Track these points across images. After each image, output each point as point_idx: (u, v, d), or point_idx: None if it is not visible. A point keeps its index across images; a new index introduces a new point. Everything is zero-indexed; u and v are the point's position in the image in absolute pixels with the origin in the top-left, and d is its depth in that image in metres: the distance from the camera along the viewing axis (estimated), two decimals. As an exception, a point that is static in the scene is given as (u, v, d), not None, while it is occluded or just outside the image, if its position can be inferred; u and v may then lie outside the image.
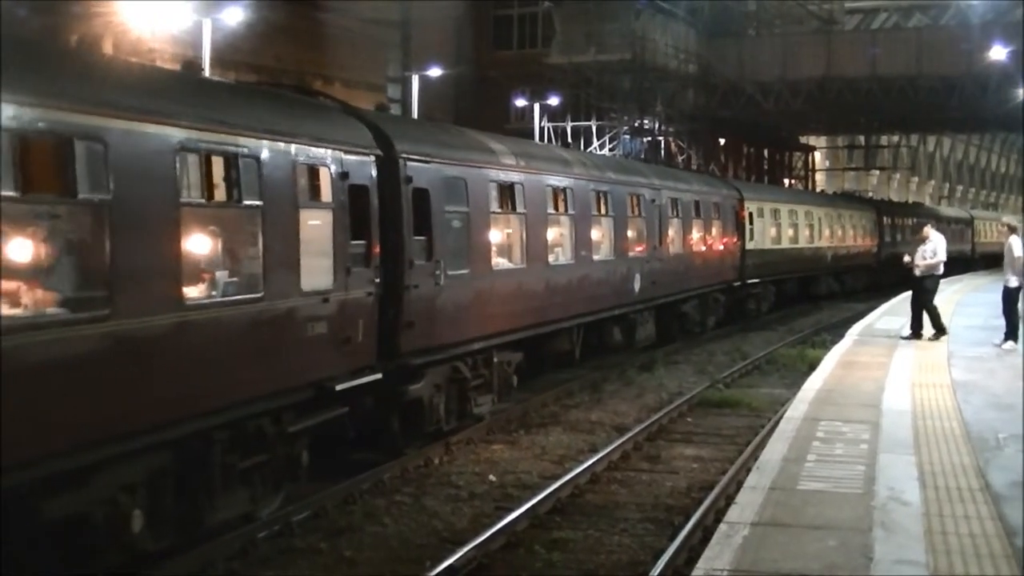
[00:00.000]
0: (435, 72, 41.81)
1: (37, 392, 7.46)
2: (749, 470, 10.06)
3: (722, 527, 7.67)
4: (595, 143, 44.93)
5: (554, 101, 44.98)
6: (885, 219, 48.41)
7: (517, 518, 10.85)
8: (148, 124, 8.57)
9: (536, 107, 44.71)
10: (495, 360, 15.48)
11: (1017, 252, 17.33)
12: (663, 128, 47.24)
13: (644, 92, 45.49)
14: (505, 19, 50.96)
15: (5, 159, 7.24)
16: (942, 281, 19.59)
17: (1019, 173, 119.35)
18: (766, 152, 63.34)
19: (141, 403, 8.46)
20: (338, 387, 11.15)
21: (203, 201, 9.58)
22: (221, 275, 9.78)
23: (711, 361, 23.43)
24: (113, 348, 8.14)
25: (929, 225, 19.66)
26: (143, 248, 8.46)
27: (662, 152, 46.38)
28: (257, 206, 9.94)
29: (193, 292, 9.22)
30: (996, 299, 18.37)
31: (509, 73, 47.86)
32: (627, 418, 16.65)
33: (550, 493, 11.79)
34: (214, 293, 9.59)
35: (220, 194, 9.83)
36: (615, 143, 45.39)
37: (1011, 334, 17.51)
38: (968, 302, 25.46)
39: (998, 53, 40.14)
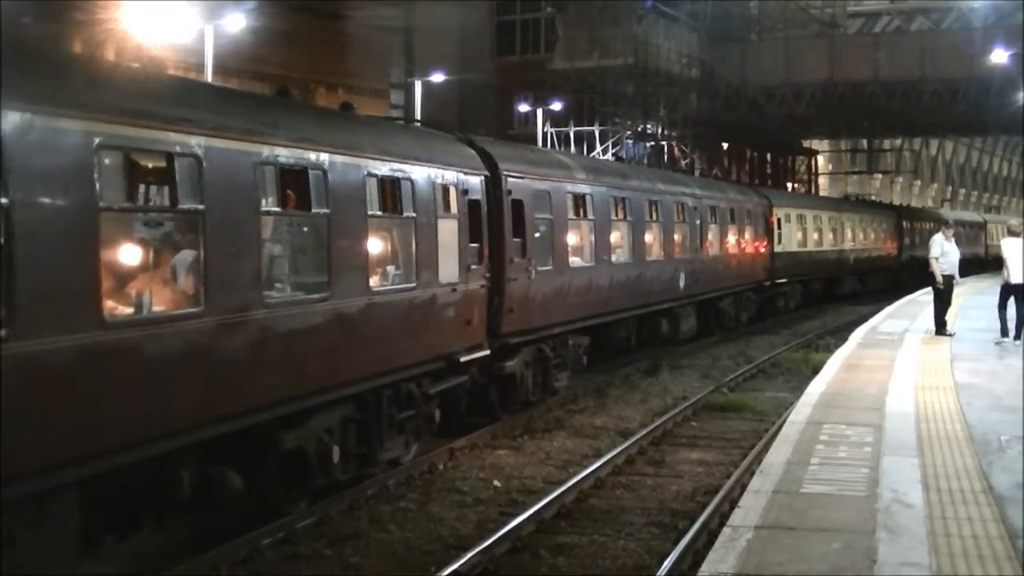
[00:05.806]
0: (438, 78, 41.76)
1: (290, 350, 10.09)
2: (753, 474, 10.07)
3: (726, 531, 7.66)
4: (598, 148, 44.89)
5: (557, 106, 44.92)
6: (905, 223, 49.28)
7: (522, 523, 10.87)
8: (351, 157, 11.37)
9: (539, 112, 44.66)
10: (570, 343, 18.18)
11: (1004, 254, 18.32)
12: (666, 133, 47.25)
13: (647, 97, 45.51)
14: (508, 25, 50.85)
15: (270, 182, 9.93)
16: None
17: (1021, 176, 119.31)
18: (769, 156, 63.31)
19: (342, 364, 11.06)
20: (462, 359, 13.92)
21: (380, 213, 12.31)
22: (390, 269, 12.66)
23: (715, 365, 23.43)
24: (329, 321, 10.81)
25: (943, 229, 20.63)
26: (347, 248, 11.17)
27: (665, 156, 46.37)
28: (412, 217, 12.75)
29: (374, 281, 11.88)
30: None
31: (512, 79, 47.80)
32: (632, 423, 16.66)
33: (555, 498, 11.81)
34: (386, 283, 12.36)
35: (389, 207, 12.54)
36: (618, 148, 45.35)
37: (1004, 330, 18.13)
38: (972, 305, 25.43)
39: (1000, 57, 40.14)
